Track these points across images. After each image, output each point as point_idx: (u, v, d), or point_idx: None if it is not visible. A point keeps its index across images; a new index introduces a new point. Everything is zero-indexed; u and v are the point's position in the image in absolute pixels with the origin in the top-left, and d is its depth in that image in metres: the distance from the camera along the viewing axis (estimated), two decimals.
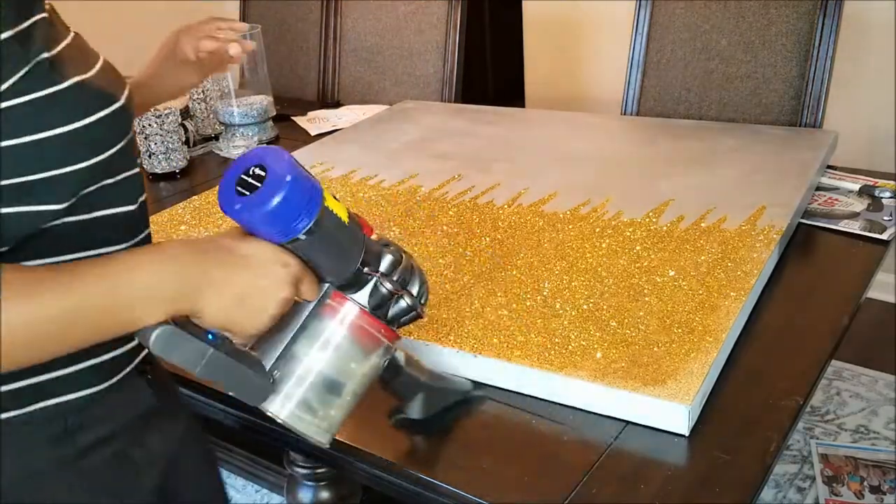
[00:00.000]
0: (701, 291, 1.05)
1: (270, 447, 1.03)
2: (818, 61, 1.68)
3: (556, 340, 0.97)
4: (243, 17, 2.48)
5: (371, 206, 1.40)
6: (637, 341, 0.96)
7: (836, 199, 1.37)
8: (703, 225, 1.22)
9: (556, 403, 0.91)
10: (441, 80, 2.13)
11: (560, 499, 0.78)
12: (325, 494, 1.14)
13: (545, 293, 1.07)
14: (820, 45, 1.68)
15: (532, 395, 0.93)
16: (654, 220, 1.25)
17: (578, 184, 1.41)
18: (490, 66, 3.74)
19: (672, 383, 0.87)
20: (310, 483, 1.14)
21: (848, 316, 1.05)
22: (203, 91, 1.92)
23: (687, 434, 0.85)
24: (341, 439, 0.87)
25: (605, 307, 1.03)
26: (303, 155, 1.68)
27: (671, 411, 0.85)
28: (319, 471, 1.12)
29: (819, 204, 1.36)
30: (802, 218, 1.30)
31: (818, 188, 1.41)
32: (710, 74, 1.82)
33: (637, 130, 1.75)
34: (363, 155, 1.65)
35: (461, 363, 0.97)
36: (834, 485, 1.80)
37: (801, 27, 1.71)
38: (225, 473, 1.94)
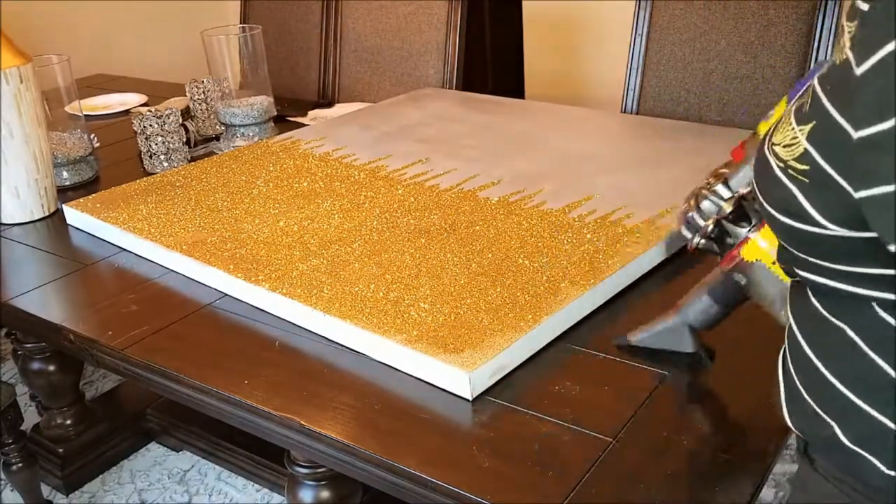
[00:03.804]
0: (555, 276, 1.09)
1: (271, 447, 1.03)
2: (818, 62, 1.68)
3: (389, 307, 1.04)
4: (244, 18, 2.49)
5: (320, 177, 1.49)
6: (465, 313, 1.02)
7: None
8: (609, 220, 1.24)
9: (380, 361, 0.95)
10: (441, 80, 2.14)
11: (560, 499, 0.78)
12: (325, 494, 1.14)
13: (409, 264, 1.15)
14: (819, 45, 1.68)
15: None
16: (566, 211, 1.28)
17: (527, 174, 1.44)
18: (490, 66, 3.74)
19: (469, 351, 0.94)
20: (310, 483, 1.14)
21: None
22: (204, 92, 1.92)
23: (471, 399, 0.91)
24: (341, 439, 0.88)
25: (462, 282, 1.09)
26: (305, 132, 1.76)
27: (454, 376, 0.92)
28: (320, 471, 1.12)
29: None
30: None
31: None
32: (710, 75, 1.82)
33: (622, 128, 1.76)
34: (355, 135, 1.71)
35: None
36: None
37: (800, 28, 1.71)
38: (225, 473, 1.95)
